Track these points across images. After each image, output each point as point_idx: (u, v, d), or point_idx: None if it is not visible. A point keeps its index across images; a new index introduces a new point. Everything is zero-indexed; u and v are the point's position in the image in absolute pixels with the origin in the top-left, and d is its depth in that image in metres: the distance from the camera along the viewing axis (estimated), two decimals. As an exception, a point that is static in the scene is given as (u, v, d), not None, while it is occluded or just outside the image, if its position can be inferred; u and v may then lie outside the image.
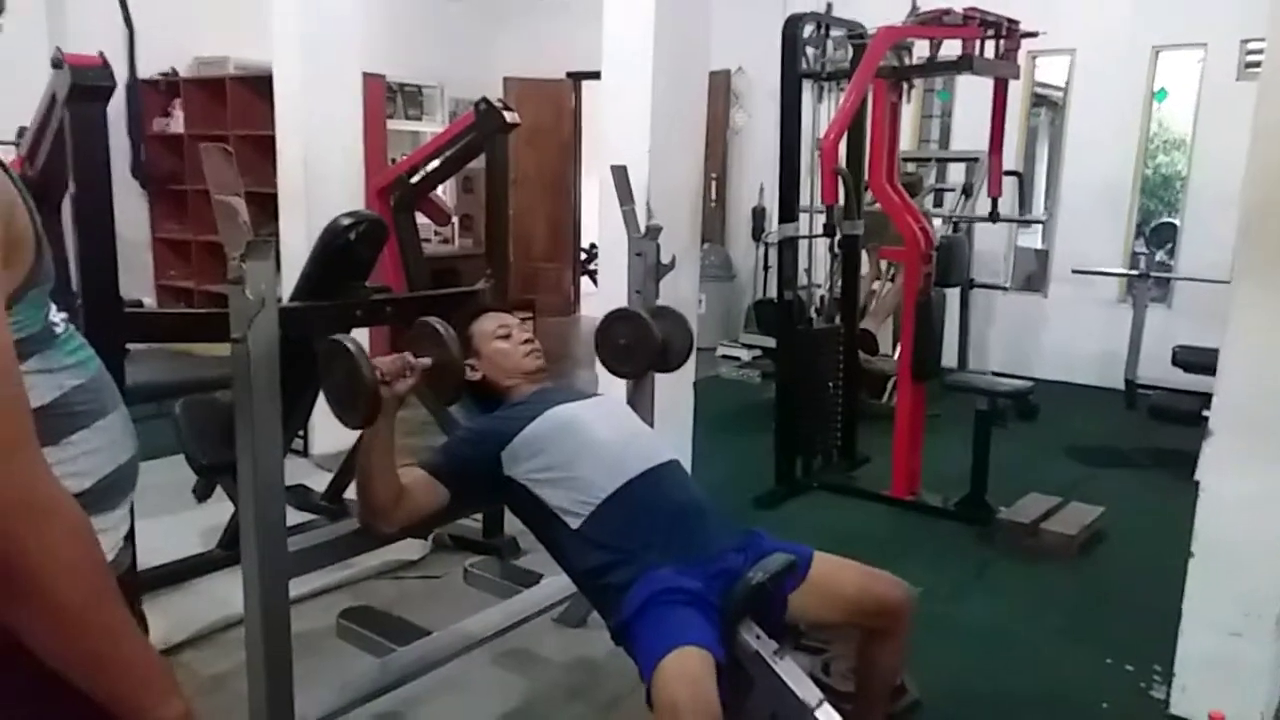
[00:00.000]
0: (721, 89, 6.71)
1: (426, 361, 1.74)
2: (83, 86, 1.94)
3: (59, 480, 0.77)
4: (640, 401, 2.40)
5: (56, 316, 0.89)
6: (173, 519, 2.96)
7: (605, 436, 1.89)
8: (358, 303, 2.38)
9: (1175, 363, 4.48)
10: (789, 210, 3.85)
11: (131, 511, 0.98)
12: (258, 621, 1.65)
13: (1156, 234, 5.85)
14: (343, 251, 2.33)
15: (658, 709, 1.49)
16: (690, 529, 1.79)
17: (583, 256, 8.50)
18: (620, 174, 2.52)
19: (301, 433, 3.68)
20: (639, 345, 2.31)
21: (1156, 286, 5.46)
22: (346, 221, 2.29)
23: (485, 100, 3.04)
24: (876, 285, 5.44)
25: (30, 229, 0.82)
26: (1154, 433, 4.50)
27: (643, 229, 2.50)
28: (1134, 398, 5.09)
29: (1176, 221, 5.84)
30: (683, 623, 1.61)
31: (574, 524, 1.80)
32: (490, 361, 2.08)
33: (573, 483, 1.82)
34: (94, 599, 0.76)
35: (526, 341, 2.11)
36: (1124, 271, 5.52)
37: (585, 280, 8.44)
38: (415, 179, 3.44)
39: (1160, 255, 5.69)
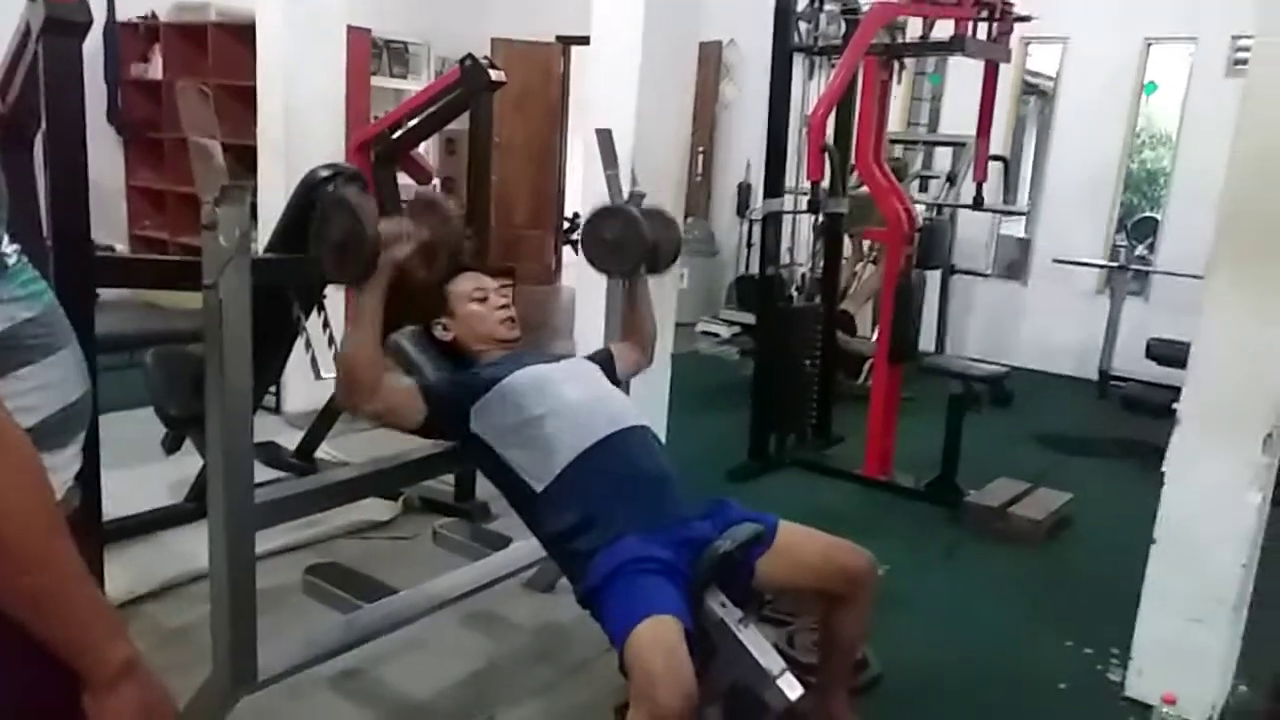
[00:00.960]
0: (712, 60, 6.65)
1: (425, 232, 1.73)
2: (57, 20, 1.88)
3: (9, 414, 0.75)
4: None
5: (8, 248, 0.86)
6: (141, 471, 2.92)
7: (574, 397, 1.88)
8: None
9: (1149, 355, 4.53)
10: (774, 186, 3.84)
11: (94, 454, 0.96)
12: (223, 574, 1.64)
13: (1138, 228, 5.91)
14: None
15: (633, 677, 1.49)
16: (655, 496, 1.79)
17: (565, 225, 8.43)
18: (605, 138, 2.47)
19: (274, 389, 3.64)
20: (627, 241, 2.21)
21: (1135, 280, 5.51)
22: (325, 173, 2.25)
23: (470, 56, 2.99)
24: (858, 268, 5.44)
25: None
26: (1125, 423, 4.55)
27: (626, 195, 2.47)
28: (1107, 388, 5.16)
29: (1158, 216, 5.88)
30: (654, 591, 1.61)
31: (538, 487, 1.80)
32: (463, 324, 2.05)
33: (538, 443, 1.81)
34: (41, 535, 0.74)
35: (503, 308, 2.08)
36: (1104, 263, 5.56)
37: (567, 250, 8.39)
38: (397, 134, 3.39)
39: (1140, 249, 5.74)
